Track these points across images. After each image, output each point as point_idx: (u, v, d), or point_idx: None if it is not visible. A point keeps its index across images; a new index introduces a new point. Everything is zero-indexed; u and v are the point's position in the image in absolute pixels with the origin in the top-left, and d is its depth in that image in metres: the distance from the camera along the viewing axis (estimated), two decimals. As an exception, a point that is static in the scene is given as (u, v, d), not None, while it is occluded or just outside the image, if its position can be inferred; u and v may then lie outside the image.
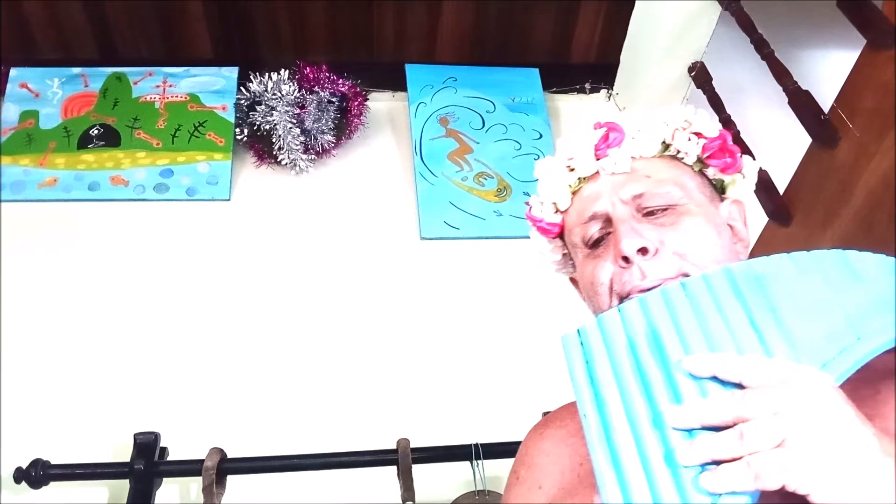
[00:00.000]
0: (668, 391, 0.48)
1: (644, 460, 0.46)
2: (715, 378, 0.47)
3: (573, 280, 0.78)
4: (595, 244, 0.67)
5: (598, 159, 0.69)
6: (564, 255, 0.77)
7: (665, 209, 0.64)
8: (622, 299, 0.62)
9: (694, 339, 0.49)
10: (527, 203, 0.78)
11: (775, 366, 0.46)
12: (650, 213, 0.64)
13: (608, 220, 0.66)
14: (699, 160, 0.70)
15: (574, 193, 0.71)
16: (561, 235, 0.75)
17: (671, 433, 0.46)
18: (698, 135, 0.70)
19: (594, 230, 0.67)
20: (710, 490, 0.43)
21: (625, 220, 0.64)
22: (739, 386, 0.46)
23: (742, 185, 0.72)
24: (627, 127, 0.69)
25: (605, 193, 0.67)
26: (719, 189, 0.72)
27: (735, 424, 0.44)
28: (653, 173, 0.67)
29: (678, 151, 0.70)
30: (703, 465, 0.44)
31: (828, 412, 0.43)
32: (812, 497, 0.41)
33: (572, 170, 0.70)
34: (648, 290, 0.60)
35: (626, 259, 0.61)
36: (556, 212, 0.73)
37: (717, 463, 0.44)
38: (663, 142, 0.69)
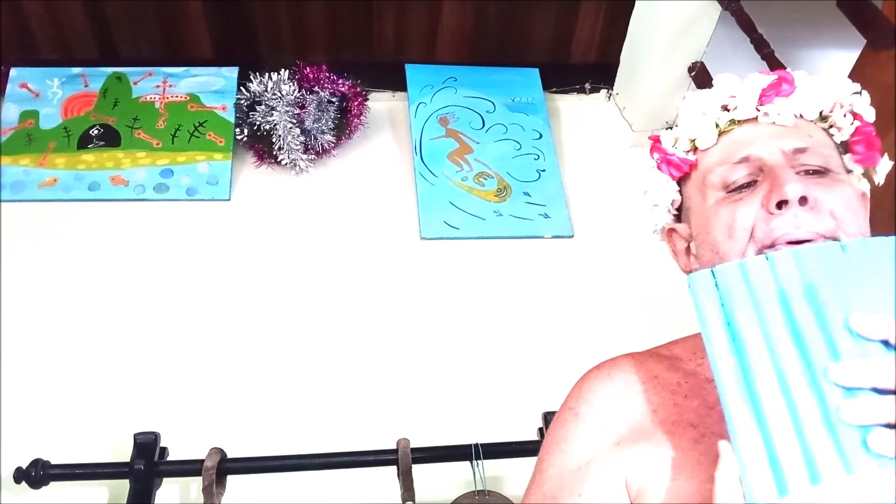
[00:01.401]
0: (826, 347, 0.46)
1: (793, 412, 0.44)
2: (881, 342, 0.45)
3: (671, 231, 0.73)
4: (736, 189, 0.64)
5: (761, 105, 0.66)
6: (674, 201, 0.73)
7: (822, 171, 0.62)
8: (761, 249, 0.60)
9: (854, 300, 0.47)
10: (652, 137, 0.73)
11: None
12: (804, 173, 0.62)
13: (760, 167, 0.63)
14: (844, 142, 0.68)
15: (721, 134, 0.68)
16: (681, 179, 0.71)
17: (829, 389, 0.44)
18: (856, 116, 0.68)
19: (741, 174, 0.64)
20: (881, 452, 0.41)
21: (785, 167, 0.61)
22: None
23: (863, 183, 0.71)
24: (797, 82, 0.67)
25: (762, 140, 0.64)
26: None
27: None
28: (813, 134, 0.65)
29: (832, 125, 0.68)
30: (865, 428, 0.42)
31: None
32: None
33: (727, 109, 0.67)
34: (798, 242, 0.58)
35: (782, 204, 0.59)
36: (691, 150, 0.70)
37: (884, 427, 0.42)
38: (822, 111, 0.67)
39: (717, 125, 0.68)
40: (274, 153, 2.16)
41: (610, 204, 2.22)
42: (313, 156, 2.21)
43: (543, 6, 2.35)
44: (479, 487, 1.38)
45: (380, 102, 2.43)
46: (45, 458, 1.37)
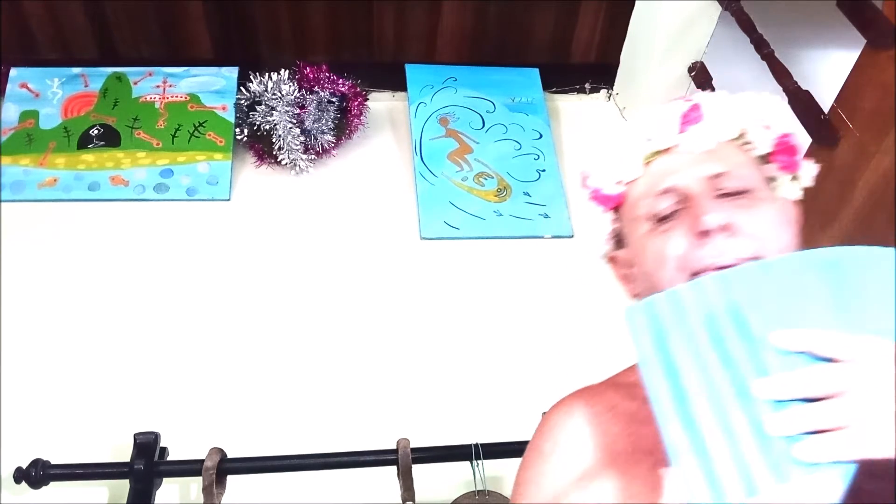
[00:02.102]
0: (752, 365, 0.47)
1: (727, 430, 0.45)
2: (802, 355, 0.47)
3: (613, 259, 0.76)
4: (662, 219, 0.65)
5: (679, 133, 0.67)
6: (611, 231, 0.75)
7: (742, 192, 0.63)
8: (691, 277, 0.61)
9: (777, 316, 0.49)
10: (583, 172, 0.75)
11: (867, 341, 0.45)
12: (724, 195, 0.63)
13: (683, 196, 0.64)
14: (763, 155, 0.69)
15: (645, 165, 0.69)
16: (615, 209, 0.73)
17: (758, 405, 0.45)
18: (770, 128, 0.69)
19: (665, 204, 0.65)
20: (809, 460, 0.43)
21: (706, 195, 0.63)
22: (830, 362, 0.46)
23: (792, 187, 0.71)
24: (711, 107, 0.68)
25: (682, 168, 0.65)
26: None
27: (828, 398, 0.44)
28: (730, 156, 0.66)
29: (749, 142, 0.69)
30: (793, 438, 0.44)
31: None
32: None
33: (648, 141, 0.68)
34: (722, 268, 0.59)
35: (704, 233, 0.60)
36: (619, 183, 0.71)
37: (811, 434, 0.43)
38: (740, 129, 0.68)
39: (643, 157, 0.69)
40: (274, 153, 2.16)
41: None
42: (313, 156, 2.21)
43: (543, 6, 2.35)
44: (479, 487, 1.38)
45: (380, 102, 2.43)
46: (45, 458, 1.37)
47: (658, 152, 0.68)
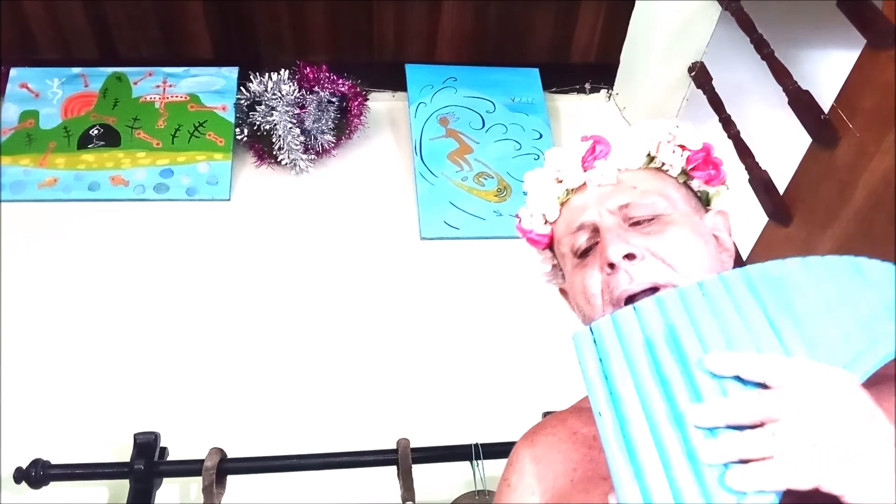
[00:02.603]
0: (687, 390, 0.48)
1: (664, 458, 0.46)
2: (736, 377, 0.47)
3: (562, 291, 0.80)
4: (584, 254, 0.69)
5: (585, 171, 0.71)
6: (554, 265, 0.79)
7: (651, 219, 0.66)
8: (615, 306, 0.63)
9: (713, 338, 0.49)
10: (517, 215, 0.80)
11: (799, 365, 0.46)
12: (636, 224, 0.66)
13: (596, 230, 0.67)
14: (684, 172, 0.72)
15: (562, 205, 0.73)
16: (550, 247, 0.77)
17: (692, 431, 0.46)
18: (682, 147, 0.72)
19: (582, 240, 0.69)
20: (737, 488, 0.43)
21: (611, 229, 0.65)
22: (762, 386, 0.46)
23: (726, 196, 0.74)
24: (613, 140, 0.71)
25: (591, 204, 0.69)
26: (704, 200, 0.74)
27: (761, 424, 0.44)
28: (638, 184, 0.69)
29: (663, 164, 0.72)
30: (726, 465, 0.44)
31: (857, 412, 0.43)
32: (846, 497, 0.41)
33: (560, 181, 0.72)
34: (638, 293, 0.61)
35: (611, 266, 0.63)
36: (546, 223, 0.75)
37: (742, 462, 0.44)
38: (648, 154, 0.71)
39: (558, 198, 0.73)
40: (274, 153, 2.16)
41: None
42: (313, 156, 2.21)
43: (543, 6, 2.35)
44: (479, 487, 1.38)
45: (380, 102, 2.43)
46: (45, 458, 1.37)
47: (571, 191, 0.72)
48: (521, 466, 0.72)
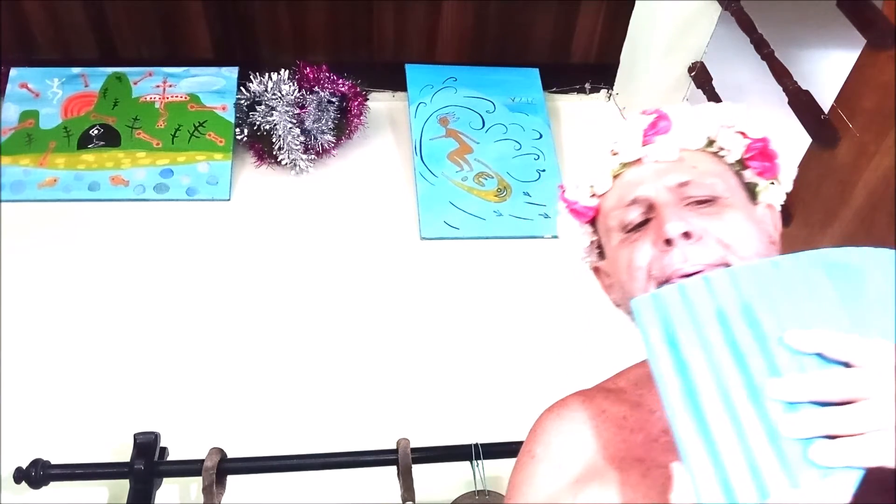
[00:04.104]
0: (765, 363, 0.47)
1: (738, 430, 0.45)
2: (817, 355, 0.46)
3: (596, 269, 0.77)
4: (633, 229, 0.67)
5: (644, 145, 0.68)
6: (592, 242, 0.76)
7: (708, 200, 0.64)
8: (660, 284, 0.62)
9: (788, 315, 0.48)
10: (560, 186, 0.77)
11: (883, 347, 0.45)
12: (693, 204, 0.64)
13: (650, 206, 0.66)
14: (739, 161, 0.70)
15: (614, 178, 0.70)
16: (592, 221, 0.74)
17: (770, 405, 0.45)
18: (743, 134, 0.70)
19: (634, 215, 0.67)
20: (823, 463, 0.42)
21: (669, 205, 0.64)
22: (844, 365, 0.46)
23: (774, 192, 0.72)
24: (675, 117, 0.69)
25: (648, 179, 0.67)
26: (751, 193, 0.72)
27: (843, 402, 0.44)
28: (697, 165, 0.67)
29: (721, 149, 0.70)
30: (806, 440, 0.43)
31: None
32: None
33: (615, 154, 0.70)
34: (690, 275, 0.60)
35: (668, 242, 0.61)
36: (592, 195, 0.72)
37: (827, 438, 0.43)
38: (708, 137, 0.69)
39: (611, 170, 0.70)
40: (274, 153, 2.16)
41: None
42: (313, 156, 2.21)
43: (543, 6, 2.35)
44: (479, 487, 1.38)
45: (380, 102, 2.43)
46: (45, 458, 1.37)
47: (626, 164, 0.70)
48: (548, 438, 0.69)
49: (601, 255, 0.75)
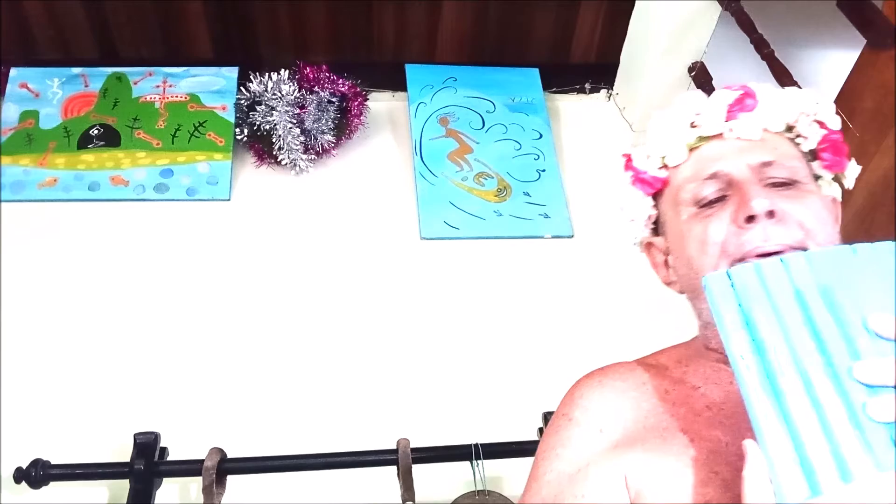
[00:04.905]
0: (845, 346, 0.47)
1: (819, 411, 0.45)
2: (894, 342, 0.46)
3: (648, 245, 0.76)
4: (706, 204, 0.66)
5: (727, 121, 0.67)
6: (650, 216, 0.75)
7: (789, 183, 0.64)
8: (733, 262, 0.61)
9: (868, 302, 0.48)
10: (625, 155, 0.75)
11: None
12: (772, 185, 0.64)
13: (729, 183, 0.65)
14: (812, 150, 0.70)
15: (690, 151, 0.69)
16: (655, 195, 0.73)
17: (853, 388, 0.45)
18: (821, 124, 0.69)
19: (710, 190, 0.66)
20: None
21: (751, 183, 0.63)
22: None
23: (835, 187, 0.72)
24: (762, 96, 0.68)
25: (730, 155, 0.66)
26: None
27: None
28: (778, 147, 0.67)
29: (798, 135, 0.69)
30: (889, 425, 0.43)
31: None
32: None
33: (695, 126, 0.69)
34: (767, 254, 0.59)
35: (750, 219, 0.60)
36: (663, 167, 0.71)
37: None
38: (787, 122, 0.69)
39: (687, 143, 0.69)
40: (274, 153, 2.16)
41: (610, 204, 2.22)
42: (313, 156, 2.21)
43: (543, 6, 2.35)
44: (479, 487, 1.38)
45: (380, 102, 2.43)
46: (45, 458, 1.37)
47: (705, 138, 0.68)
48: (586, 403, 0.68)
49: (655, 230, 0.74)
